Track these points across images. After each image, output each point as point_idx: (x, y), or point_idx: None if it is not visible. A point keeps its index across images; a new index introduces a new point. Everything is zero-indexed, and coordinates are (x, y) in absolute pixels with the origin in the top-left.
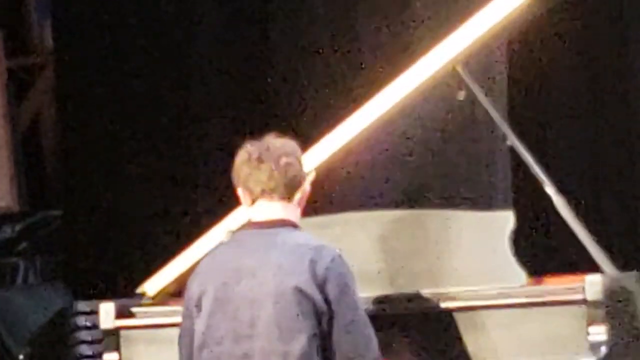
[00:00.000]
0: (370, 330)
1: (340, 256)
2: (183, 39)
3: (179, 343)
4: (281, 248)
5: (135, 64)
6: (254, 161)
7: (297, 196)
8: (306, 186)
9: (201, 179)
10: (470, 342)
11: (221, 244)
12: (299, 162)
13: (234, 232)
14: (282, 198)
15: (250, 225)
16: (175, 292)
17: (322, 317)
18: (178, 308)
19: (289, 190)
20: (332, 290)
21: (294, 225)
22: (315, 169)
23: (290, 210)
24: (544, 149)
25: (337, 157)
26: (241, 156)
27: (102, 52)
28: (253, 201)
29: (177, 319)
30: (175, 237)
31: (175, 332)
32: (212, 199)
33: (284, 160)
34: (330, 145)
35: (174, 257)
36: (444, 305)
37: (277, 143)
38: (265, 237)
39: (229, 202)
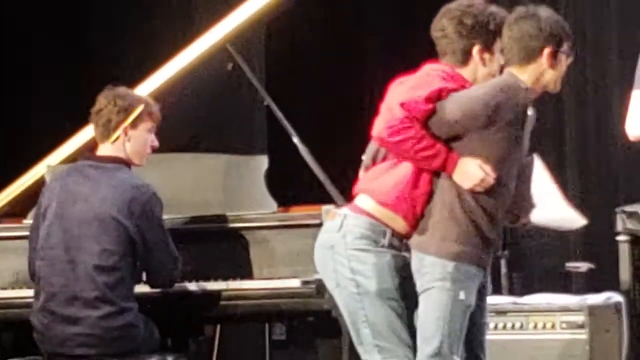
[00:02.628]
0: (171, 248)
1: (155, 194)
2: None
3: (29, 238)
4: (108, 182)
5: None
6: (92, 115)
7: (114, 136)
8: (125, 125)
9: (38, 124)
10: (236, 255)
11: (69, 167)
12: (115, 108)
13: (77, 161)
14: (109, 141)
15: (91, 157)
16: (5, 213)
17: (135, 242)
18: (9, 225)
19: (106, 133)
20: (145, 225)
21: (123, 162)
22: None
23: (117, 148)
24: (292, 108)
25: None
26: None
27: None
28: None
29: (8, 234)
30: (11, 171)
31: (5, 244)
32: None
33: (100, 112)
34: None
35: (6, 186)
36: (216, 225)
37: (99, 98)
38: (99, 171)
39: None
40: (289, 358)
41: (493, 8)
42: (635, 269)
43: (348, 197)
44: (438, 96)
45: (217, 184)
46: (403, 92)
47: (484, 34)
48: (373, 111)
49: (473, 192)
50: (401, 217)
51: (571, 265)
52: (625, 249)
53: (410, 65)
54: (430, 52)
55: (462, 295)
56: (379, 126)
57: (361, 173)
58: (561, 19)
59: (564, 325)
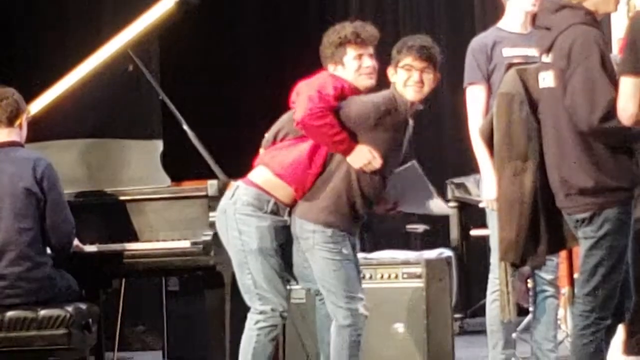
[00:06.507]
0: (68, 211)
1: (50, 164)
2: None
3: None
4: (11, 161)
5: None
6: None
7: (17, 123)
8: (23, 117)
9: None
10: (137, 222)
11: None
12: (16, 101)
13: None
14: (6, 126)
15: None
16: None
17: (41, 203)
18: None
19: (8, 121)
20: (46, 186)
21: (18, 144)
22: (41, 109)
23: (14, 134)
24: (183, 102)
25: (56, 101)
26: None
27: None
28: None
29: None
30: None
31: None
32: None
33: (4, 102)
34: (52, 94)
35: None
36: (121, 198)
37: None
38: (1, 155)
39: None
40: (181, 305)
41: (343, 25)
42: (462, 229)
43: (228, 172)
44: (341, 95)
45: (121, 164)
46: (313, 89)
47: (333, 48)
48: (247, 104)
49: (359, 180)
50: (292, 189)
51: (410, 227)
52: (454, 213)
53: (281, 65)
54: (294, 50)
55: (344, 250)
56: (298, 114)
57: (262, 149)
58: (414, 39)
59: (405, 276)
